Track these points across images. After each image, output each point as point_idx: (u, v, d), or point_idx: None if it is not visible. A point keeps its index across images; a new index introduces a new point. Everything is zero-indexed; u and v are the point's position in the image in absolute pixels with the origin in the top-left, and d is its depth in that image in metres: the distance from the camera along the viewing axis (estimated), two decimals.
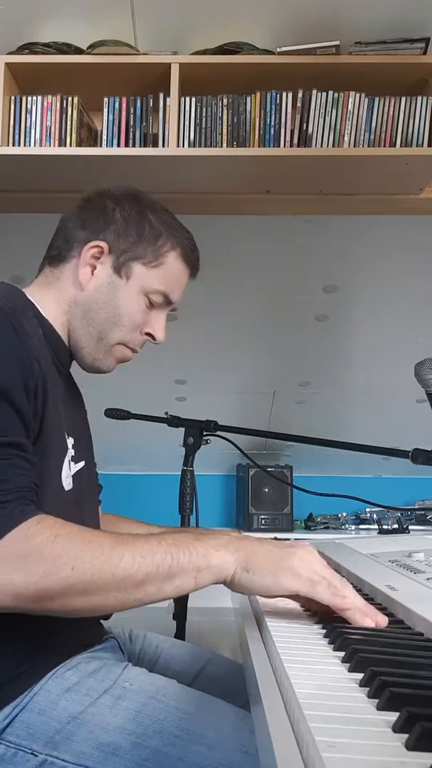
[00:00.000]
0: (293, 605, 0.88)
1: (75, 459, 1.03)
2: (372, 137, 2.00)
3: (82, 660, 0.92)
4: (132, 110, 2.01)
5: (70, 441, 1.01)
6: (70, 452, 1.01)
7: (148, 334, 1.09)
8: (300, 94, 1.99)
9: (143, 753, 0.79)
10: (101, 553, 0.75)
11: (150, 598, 0.78)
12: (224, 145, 2.00)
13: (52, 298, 1.04)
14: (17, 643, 0.85)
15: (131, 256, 1.03)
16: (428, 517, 3.68)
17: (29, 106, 2.00)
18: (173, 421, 1.68)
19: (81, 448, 1.06)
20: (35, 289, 1.05)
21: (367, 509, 3.88)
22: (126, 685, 0.88)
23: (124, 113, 2.01)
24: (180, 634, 1.55)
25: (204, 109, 2.00)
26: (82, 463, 1.06)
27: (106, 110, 2.02)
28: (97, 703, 0.84)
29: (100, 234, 1.03)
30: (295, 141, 2.00)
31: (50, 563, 0.72)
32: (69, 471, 0.99)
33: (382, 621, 0.75)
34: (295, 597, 0.80)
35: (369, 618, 0.74)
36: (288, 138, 1.99)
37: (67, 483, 0.97)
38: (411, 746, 0.43)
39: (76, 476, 1.02)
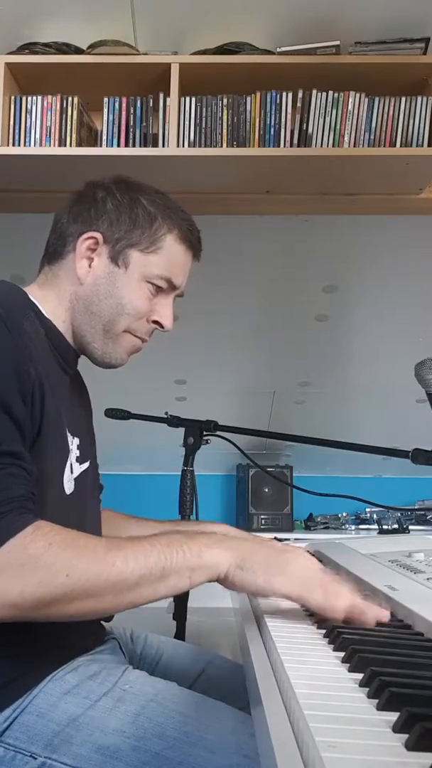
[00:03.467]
0: (291, 603, 0.88)
1: (80, 459, 1.02)
2: (372, 137, 2.00)
3: (82, 662, 0.92)
4: (132, 110, 2.01)
5: (75, 441, 1.00)
6: (74, 453, 1.00)
7: (155, 322, 1.06)
8: (300, 94, 1.99)
9: (142, 756, 0.79)
10: (95, 558, 0.76)
11: (144, 600, 0.79)
12: (224, 145, 1.99)
13: (54, 297, 1.02)
14: (17, 646, 0.85)
15: (127, 243, 1.01)
16: (428, 517, 3.67)
17: (29, 106, 2.00)
18: (173, 421, 1.68)
19: (86, 447, 1.06)
20: (35, 289, 1.03)
21: (367, 509, 3.87)
22: (126, 688, 0.87)
23: (124, 113, 2.01)
24: (180, 634, 1.55)
25: (204, 109, 2.00)
26: (87, 464, 1.05)
27: (106, 110, 2.02)
28: (96, 706, 0.84)
29: (92, 225, 1.01)
30: (295, 141, 1.99)
31: (45, 572, 0.73)
32: (71, 474, 0.98)
33: (384, 615, 0.75)
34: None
35: (369, 614, 0.74)
36: (288, 138, 1.99)
37: (68, 487, 0.97)
38: (411, 746, 0.43)
39: (80, 478, 1.01)
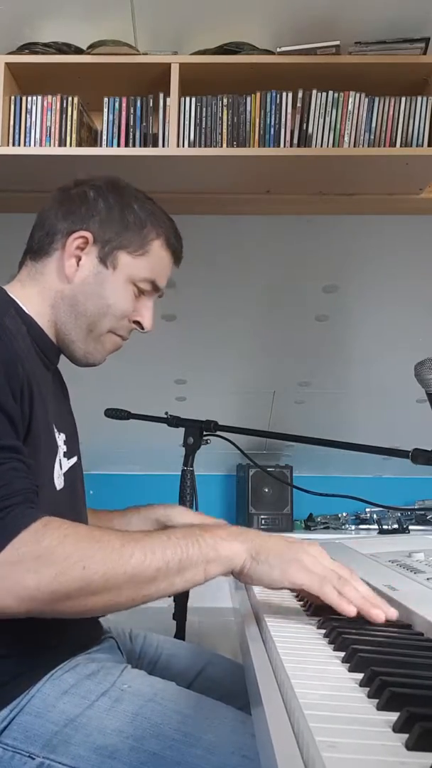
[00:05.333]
0: (291, 603, 0.88)
1: (67, 455, 1.02)
2: (372, 137, 2.00)
3: (80, 662, 0.92)
4: (132, 110, 2.01)
5: (61, 437, 1.01)
6: (62, 449, 1.00)
7: (135, 322, 1.08)
8: (300, 94, 1.99)
9: (141, 756, 0.79)
10: (112, 551, 0.75)
11: (161, 594, 0.78)
12: (224, 145, 1.99)
13: (36, 294, 1.02)
14: (14, 645, 0.85)
15: (116, 245, 1.02)
16: (428, 517, 3.68)
17: (29, 106, 2.00)
18: (173, 421, 1.67)
19: (72, 443, 1.06)
20: (17, 286, 1.03)
21: (367, 509, 3.88)
22: (124, 688, 0.87)
23: (124, 113, 2.01)
24: (180, 634, 1.55)
25: (204, 109, 2.00)
26: (74, 459, 1.05)
27: (106, 110, 2.02)
28: (94, 706, 0.84)
29: (83, 224, 1.02)
30: (295, 141, 1.99)
31: (62, 564, 0.72)
32: (61, 470, 0.98)
33: (392, 614, 0.75)
34: (299, 591, 0.80)
35: (379, 610, 0.74)
36: (288, 138, 1.99)
37: (59, 482, 0.97)
38: (411, 746, 0.43)
39: (68, 473, 1.01)
